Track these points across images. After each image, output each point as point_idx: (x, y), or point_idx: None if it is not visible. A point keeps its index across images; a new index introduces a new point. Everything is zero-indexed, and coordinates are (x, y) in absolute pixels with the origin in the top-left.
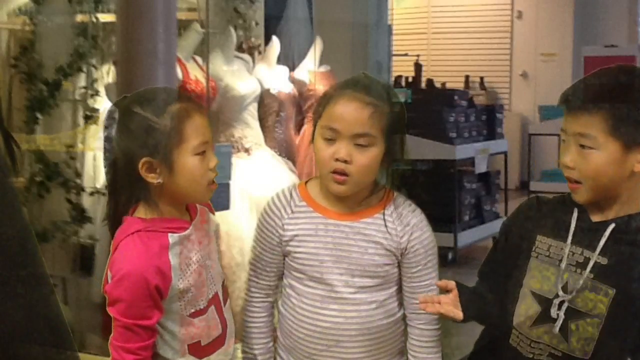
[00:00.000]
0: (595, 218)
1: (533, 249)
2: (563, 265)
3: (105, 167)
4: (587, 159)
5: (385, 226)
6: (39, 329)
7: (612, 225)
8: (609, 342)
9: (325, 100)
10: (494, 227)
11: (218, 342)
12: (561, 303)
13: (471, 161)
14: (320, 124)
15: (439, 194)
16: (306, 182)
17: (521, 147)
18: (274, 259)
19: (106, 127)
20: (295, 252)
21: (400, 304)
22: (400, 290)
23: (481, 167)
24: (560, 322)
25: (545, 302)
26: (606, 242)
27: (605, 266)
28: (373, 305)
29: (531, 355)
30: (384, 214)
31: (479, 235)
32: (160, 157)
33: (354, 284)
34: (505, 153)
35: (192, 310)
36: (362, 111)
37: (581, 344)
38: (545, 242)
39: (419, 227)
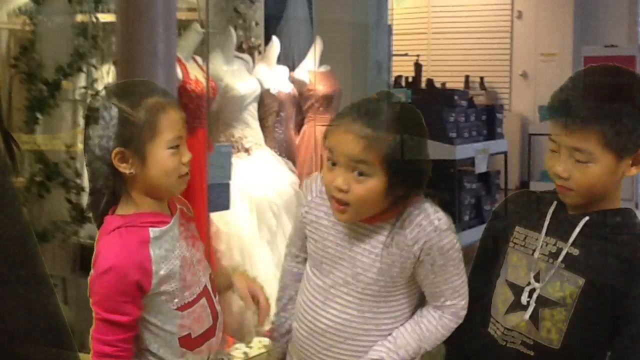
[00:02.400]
0: (572, 211)
1: (511, 240)
2: (536, 255)
3: (85, 161)
4: (583, 171)
5: (396, 233)
6: (39, 329)
7: (586, 218)
8: (578, 332)
9: (332, 121)
10: None
11: (208, 334)
12: (532, 291)
13: (471, 161)
14: (325, 145)
15: (439, 194)
16: None
17: (521, 147)
18: (300, 231)
19: (86, 121)
20: (310, 238)
21: (410, 316)
22: (412, 301)
23: (481, 167)
24: (531, 309)
25: (518, 291)
26: (579, 234)
27: (576, 257)
28: (370, 312)
29: (504, 343)
30: (400, 219)
31: (479, 235)
32: (133, 148)
33: (354, 286)
34: (505, 153)
35: (180, 304)
36: (359, 141)
37: (551, 332)
38: (522, 232)
39: (435, 234)
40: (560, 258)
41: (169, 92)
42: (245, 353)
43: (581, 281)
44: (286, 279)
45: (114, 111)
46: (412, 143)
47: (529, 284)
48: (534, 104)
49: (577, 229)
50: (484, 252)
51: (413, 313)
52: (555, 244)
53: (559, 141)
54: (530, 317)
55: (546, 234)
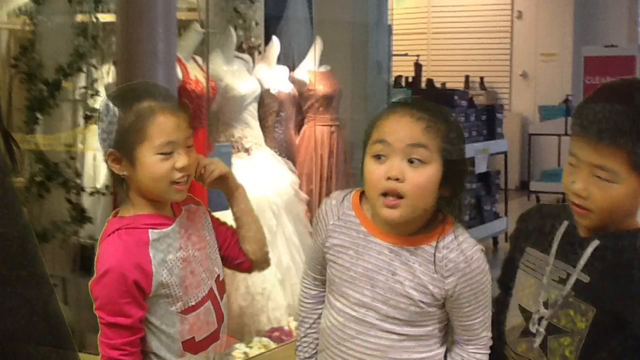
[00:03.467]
0: (584, 233)
1: (522, 261)
2: (545, 279)
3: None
4: (605, 191)
5: (433, 263)
6: (39, 328)
7: (597, 243)
8: None
9: (376, 118)
10: (494, 227)
11: (213, 337)
12: (541, 318)
13: (471, 161)
14: (370, 141)
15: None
16: (363, 191)
17: (521, 147)
18: (319, 256)
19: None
20: (333, 263)
21: (441, 344)
22: (443, 329)
23: (481, 167)
24: (541, 337)
25: (528, 316)
26: (589, 259)
27: (586, 284)
28: (398, 337)
29: None
30: (435, 247)
31: (479, 235)
32: (124, 151)
33: (382, 311)
34: (505, 153)
35: (184, 307)
36: (417, 124)
37: None
38: (532, 253)
39: (470, 269)
40: (570, 285)
41: (169, 96)
42: (245, 353)
43: (592, 311)
44: (307, 302)
45: (110, 113)
46: (460, 138)
47: (538, 310)
48: (534, 104)
49: (587, 254)
50: (505, 267)
51: (442, 341)
52: (564, 269)
53: (581, 156)
54: (540, 345)
55: (555, 258)
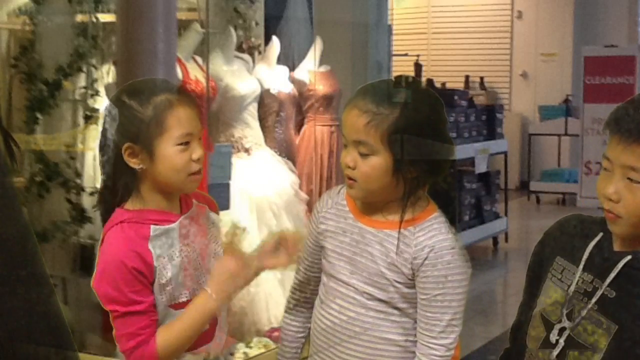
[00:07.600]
0: (618, 247)
1: (550, 270)
2: (571, 290)
3: (100, 159)
4: (635, 194)
5: (402, 243)
6: (39, 329)
7: (628, 258)
8: None
9: (345, 105)
10: (494, 227)
11: (204, 337)
12: (562, 329)
13: (471, 161)
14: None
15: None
16: None
17: (521, 147)
18: (312, 248)
19: (104, 120)
20: (325, 247)
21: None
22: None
23: (481, 167)
24: (559, 349)
25: (549, 326)
26: (618, 274)
27: (612, 299)
28: (381, 315)
29: None
30: (410, 231)
31: (479, 235)
32: (142, 144)
33: (365, 290)
34: (505, 153)
35: (173, 302)
36: (360, 119)
37: None
38: (561, 263)
39: (437, 255)
40: (595, 299)
41: (179, 90)
42: (245, 353)
43: (614, 327)
44: (294, 298)
45: (125, 108)
46: (421, 124)
47: (560, 321)
48: (534, 104)
49: (617, 269)
50: (529, 276)
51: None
52: (591, 282)
53: (613, 158)
54: (557, 356)
55: (583, 269)
